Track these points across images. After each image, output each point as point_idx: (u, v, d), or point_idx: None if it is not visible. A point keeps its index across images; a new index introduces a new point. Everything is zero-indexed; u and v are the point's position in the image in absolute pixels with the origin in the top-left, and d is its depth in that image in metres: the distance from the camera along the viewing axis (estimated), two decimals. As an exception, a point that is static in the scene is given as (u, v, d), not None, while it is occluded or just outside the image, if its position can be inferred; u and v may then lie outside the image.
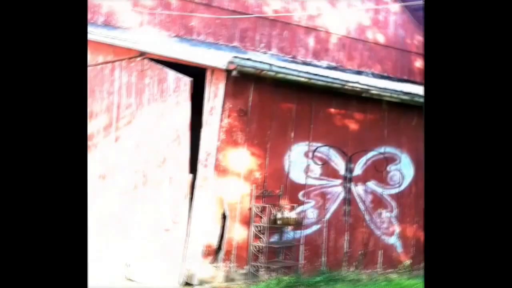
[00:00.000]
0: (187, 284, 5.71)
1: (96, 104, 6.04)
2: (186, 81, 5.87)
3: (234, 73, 5.70)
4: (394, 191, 7.13)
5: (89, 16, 6.68)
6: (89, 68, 5.91)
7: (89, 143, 6.00)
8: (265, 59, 6.75)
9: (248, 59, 5.89)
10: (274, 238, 6.19)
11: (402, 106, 7.01)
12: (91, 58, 5.96)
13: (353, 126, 6.89)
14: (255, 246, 5.99)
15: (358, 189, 6.84)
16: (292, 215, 6.15)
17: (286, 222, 6.10)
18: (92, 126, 6.01)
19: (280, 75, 6.01)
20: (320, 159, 6.59)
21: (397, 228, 7.10)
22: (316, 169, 6.55)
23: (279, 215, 6.04)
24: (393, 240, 7.09)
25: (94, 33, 5.83)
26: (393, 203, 7.09)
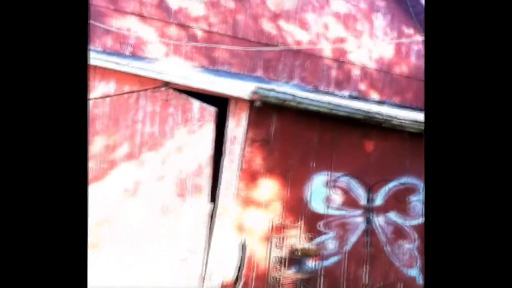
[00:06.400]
0: (205, 314, 5.70)
1: (120, 133, 6.12)
2: (210, 111, 5.93)
3: (257, 103, 5.73)
4: (415, 222, 7.05)
5: (117, 46, 6.82)
6: (114, 97, 6.01)
7: (111, 170, 6.07)
8: (287, 89, 6.78)
9: (271, 89, 5.92)
10: (293, 269, 6.15)
11: (423, 137, 6.94)
12: (117, 87, 6.07)
13: (374, 156, 6.86)
14: (274, 277, 5.95)
15: (378, 220, 6.77)
16: (312, 245, 6.12)
17: (305, 253, 6.06)
18: (116, 154, 6.08)
19: (303, 105, 6.03)
20: (341, 188, 6.56)
21: (418, 260, 7.00)
22: (337, 199, 6.52)
23: (298, 246, 6.01)
24: (414, 272, 6.98)
25: (120, 64, 5.94)
26: (414, 235, 7.01)
